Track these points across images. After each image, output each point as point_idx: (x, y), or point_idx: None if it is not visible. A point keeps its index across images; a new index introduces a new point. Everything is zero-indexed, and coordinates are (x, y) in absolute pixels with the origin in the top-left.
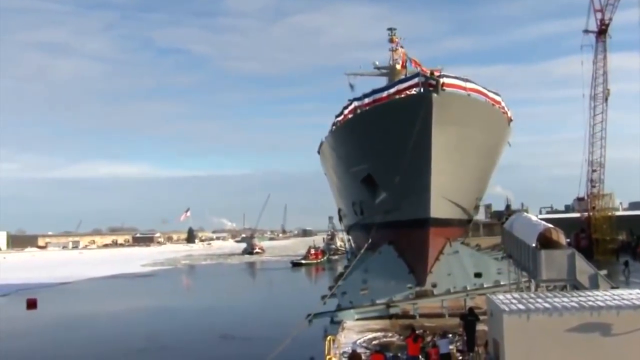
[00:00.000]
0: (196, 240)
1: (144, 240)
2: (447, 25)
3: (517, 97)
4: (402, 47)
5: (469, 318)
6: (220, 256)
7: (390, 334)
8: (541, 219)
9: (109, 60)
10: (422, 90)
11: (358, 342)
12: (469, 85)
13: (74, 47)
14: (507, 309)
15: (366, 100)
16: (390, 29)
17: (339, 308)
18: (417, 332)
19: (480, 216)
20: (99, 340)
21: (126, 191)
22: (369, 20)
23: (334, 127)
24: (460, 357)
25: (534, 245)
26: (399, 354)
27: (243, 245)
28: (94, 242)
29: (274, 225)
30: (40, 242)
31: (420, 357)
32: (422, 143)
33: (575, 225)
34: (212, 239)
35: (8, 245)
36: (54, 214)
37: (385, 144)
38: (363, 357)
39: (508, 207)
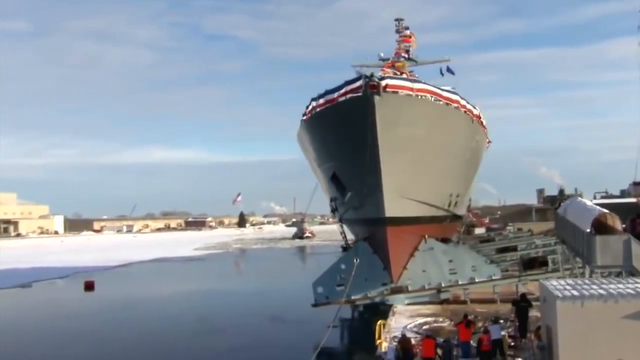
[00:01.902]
0: (247, 225)
1: (196, 224)
2: (497, 7)
3: (570, 80)
4: (408, 36)
5: (521, 304)
6: (271, 240)
7: (441, 319)
8: (596, 204)
9: (159, 48)
10: (364, 92)
11: (408, 326)
12: (417, 86)
13: (125, 35)
14: (560, 295)
15: (321, 101)
16: (397, 20)
17: (316, 304)
18: (469, 317)
19: (532, 201)
20: (155, 321)
21: (179, 176)
22: (415, 3)
23: (301, 122)
24: (512, 343)
25: (588, 230)
26: (450, 340)
27: (293, 229)
28: (147, 226)
29: (324, 210)
30: (96, 226)
31: (471, 342)
32: (370, 144)
33: (631, 211)
34: (262, 224)
35: (65, 229)
36: (109, 199)
37: (340, 145)
38: (413, 341)
39: (561, 192)
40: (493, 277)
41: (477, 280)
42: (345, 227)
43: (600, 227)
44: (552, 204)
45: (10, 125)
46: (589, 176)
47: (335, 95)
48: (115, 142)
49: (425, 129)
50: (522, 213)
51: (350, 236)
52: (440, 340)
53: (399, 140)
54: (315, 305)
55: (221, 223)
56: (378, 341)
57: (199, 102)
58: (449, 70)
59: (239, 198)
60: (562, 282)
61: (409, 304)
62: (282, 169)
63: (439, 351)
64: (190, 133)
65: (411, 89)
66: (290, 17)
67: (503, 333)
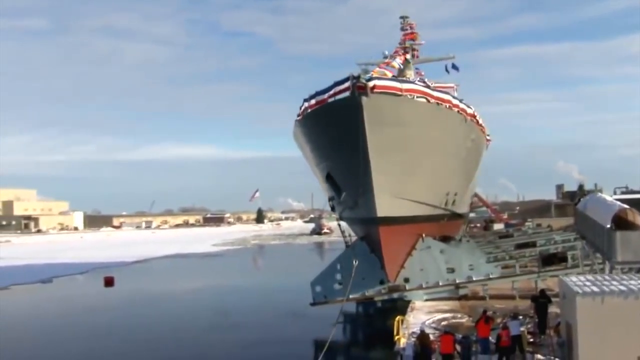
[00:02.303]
0: (265, 221)
1: (214, 220)
2: (515, 2)
3: (589, 74)
4: (413, 34)
5: (541, 300)
6: (289, 236)
7: (459, 315)
8: (616, 200)
9: (177, 44)
10: (351, 93)
11: (427, 322)
12: (405, 86)
13: (143, 32)
14: (580, 291)
15: (312, 101)
16: (402, 17)
17: (314, 302)
18: (487, 313)
19: (551, 197)
20: (174, 316)
21: (197, 172)
22: None
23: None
24: (532, 339)
25: (608, 226)
26: (469, 336)
27: (311, 225)
28: (166, 222)
29: None
30: (115, 222)
31: (490, 338)
32: (360, 145)
33: None
34: (280, 219)
35: (85, 225)
36: (127, 195)
37: (331, 145)
38: (432, 337)
39: (581, 187)
40: (490, 276)
41: (474, 279)
42: (345, 225)
43: (621, 222)
44: (572, 200)
45: (31, 122)
46: (608, 171)
47: (326, 96)
48: (134, 138)
49: (415, 129)
50: (541, 209)
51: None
52: (459, 336)
53: (389, 140)
54: (313, 304)
55: (239, 219)
56: (396, 337)
57: (217, 99)
58: (453, 67)
59: (257, 194)
60: (582, 278)
61: (427, 300)
62: (299, 165)
63: (458, 347)
64: (209, 129)
65: (400, 90)
66: (307, 13)
67: (522, 329)
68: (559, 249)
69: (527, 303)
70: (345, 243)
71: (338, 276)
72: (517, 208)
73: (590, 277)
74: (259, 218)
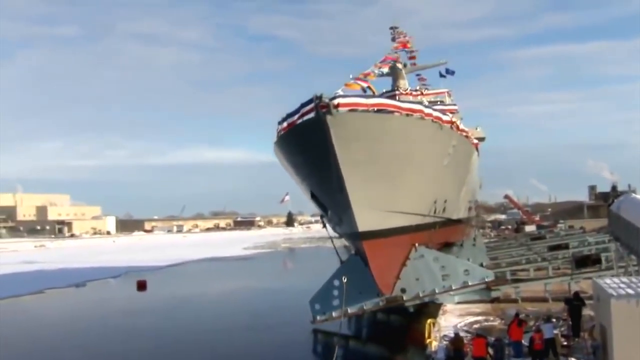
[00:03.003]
0: (295, 224)
1: (245, 224)
2: (544, 1)
3: (620, 73)
4: (406, 42)
5: (575, 302)
6: (319, 239)
7: (491, 318)
8: None
9: (205, 49)
10: (316, 113)
11: (458, 325)
12: (371, 101)
13: (173, 37)
14: (615, 293)
15: (284, 124)
16: (392, 28)
17: (314, 320)
18: (520, 316)
19: (584, 198)
20: (207, 318)
21: (227, 176)
22: None
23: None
24: (565, 343)
25: None
26: (502, 339)
27: None
28: (197, 226)
29: None
30: (147, 226)
31: (523, 342)
32: (331, 162)
33: None
34: (310, 223)
35: (117, 230)
36: (159, 199)
37: (307, 166)
38: (464, 340)
39: (614, 188)
40: (486, 280)
41: (469, 283)
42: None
43: None
44: (605, 201)
45: (64, 127)
46: None
47: (295, 117)
48: (165, 142)
49: (385, 142)
50: (573, 210)
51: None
52: (492, 339)
53: (359, 155)
54: (313, 321)
55: (269, 222)
56: (428, 340)
57: (246, 102)
58: (447, 71)
59: (287, 197)
60: (617, 280)
61: (458, 303)
62: None
63: (490, 350)
64: (239, 132)
65: (365, 105)
66: (334, 16)
67: (556, 332)
68: (592, 250)
69: (561, 306)
70: (340, 259)
71: (336, 292)
72: (549, 209)
73: (625, 279)
74: (289, 221)
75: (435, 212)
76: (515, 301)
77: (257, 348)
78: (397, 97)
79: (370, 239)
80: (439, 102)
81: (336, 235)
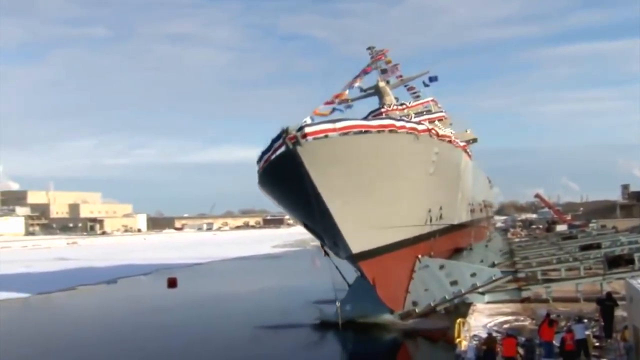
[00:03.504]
0: None
1: (274, 222)
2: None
3: None
4: (386, 63)
5: (607, 303)
6: None
7: (521, 318)
8: None
9: (235, 49)
10: (286, 147)
11: (488, 325)
12: (339, 125)
13: (202, 37)
14: None
15: (261, 162)
16: (369, 48)
17: (343, 321)
18: (551, 316)
19: (616, 197)
20: (238, 315)
21: (256, 175)
22: None
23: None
24: (597, 344)
25: None
26: (533, 339)
27: None
28: (226, 224)
29: None
30: (177, 224)
31: (554, 342)
32: (310, 191)
33: None
34: None
35: (148, 227)
36: (189, 197)
37: (290, 199)
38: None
39: None
40: (494, 278)
41: (478, 284)
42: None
43: None
44: (638, 200)
45: (96, 127)
46: None
47: (269, 154)
48: (195, 141)
49: (361, 161)
50: (605, 209)
51: None
52: (522, 339)
53: (337, 179)
54: (340, 323)
55: None
56: (457, 340)
57: (275, 101)
58: (431, 79)
59: None
60: None
61: (489, 303)
62: None
63: (521, 350)
64: (268, 132)
65: (333, 129)
66: (363, 15)
67: (587, 333)
68: (625, 250)
69: (593, 306)
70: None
71: (365, 295)
72: (581, 209)
73: None
74: None
75: (431, 220)
76: (546, 301)
77: (283, 347)
78: (383, 114)
79: (367, 259)
80: (424, 113)
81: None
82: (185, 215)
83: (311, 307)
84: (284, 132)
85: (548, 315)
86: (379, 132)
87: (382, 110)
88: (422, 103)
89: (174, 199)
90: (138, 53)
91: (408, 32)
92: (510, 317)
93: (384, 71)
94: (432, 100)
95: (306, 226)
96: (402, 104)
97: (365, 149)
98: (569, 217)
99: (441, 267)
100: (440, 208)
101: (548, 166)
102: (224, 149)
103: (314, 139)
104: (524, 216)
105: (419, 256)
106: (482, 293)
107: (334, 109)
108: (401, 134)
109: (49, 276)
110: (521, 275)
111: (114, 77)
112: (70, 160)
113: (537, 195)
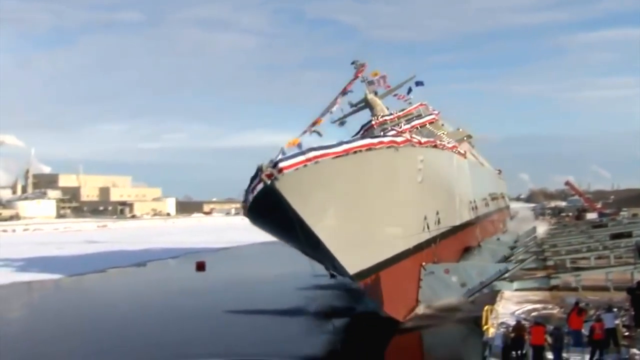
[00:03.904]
0: None
1: None
2: None
3: None
4: (373, 75)
5: (637, 292)
6: None
7: (550, 306)
8: None
9: (263, 34)
10: (264, 184)
11: (516, 313)
12: (312, 154)
13: (232, 22)
14: None
15: (245, 202)
16: (353, 62)
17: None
18: (580, 305)
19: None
20: (265, 300)
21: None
22: None
23: None
24: (627, 333)
25: None
26: (561, 327)
27: None
28: None
29: None
30: (206, 208)
31: (583, 331)
32: (296, 222)
33: None
34: None
35: (176, 211)
36: (218, 182)
37: (281, 232)
38: None
39: None
40: (502, 270)
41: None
42: None
43: None
44: None
45: (126, 112)
46: None
47: (251, 192)
48: (224, 126)
49: (342, 184)
50: (636, 198)
51: None
52: (550, 327)
53: (320, 206)
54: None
55: None
56: (485, 327)
57: (303, 86)
58: (417, 84)
59: None
60: None
61: (517, 290)
62: None
63: (549, 339)
64: (296, 117)
65: (307, 160)
66: (391, 0)
67: (617, 322)
68: None
69: (623, 295)
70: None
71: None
72: (612, 197)
73: None
74: None
75: (429, 227)
76: (575, 289)
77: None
78: (374, 127)
79: (368, 276)
80: (414, 118)
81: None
82: (214, 199)
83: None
84: (259, 170)
85: (577, 303)
86: (355, 152)
87: (372, 123)
88: (411, 109)
89: (202, 184)
90: (169, 38)
91: (435, 16)
92: (538, 305)
93: (370, 83)
94: (422, 105)
95: (306, 254)
96: (390, 114)
97: (345, 170)
98: (599, 205)
99: (447, 271)
100: (437, 213)
101: (579, 153)
102: (253, 133)
103: (291, 171)
104: (553, 204)
105: (423, 264)
106: (511, 281)
107: (319, 133)
108: (377, 151)
109: (80, 258)
110: (550, 263)
111: (144, 62)
112: (101, 144)
113: (567, 183)
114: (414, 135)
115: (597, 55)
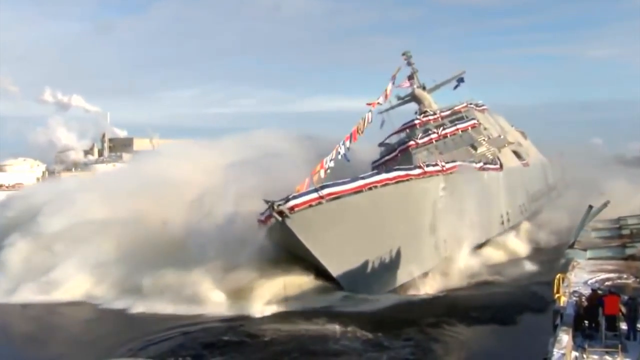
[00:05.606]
0: None
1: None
2: None
3: None
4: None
5: None
6: None
7: (624, 276)
8: None
9: None
10: (275, 220)
11: (589, 282)
12: (324, 192)
13: None
14: None
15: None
16: (404, 54)
17: None
18: None
19: None
20: None
21: (352, 123)
22: None
23: None
24: None
25: None
26: (636, 297)
27: None
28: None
29: None
30: None
31: None
32: (312, 259)
33: None
34: None
35: None
36: None
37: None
38: None
39: None
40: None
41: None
42: None
43: None
44: None
45: (197, 77)
46: None
47: (263, 218)
48: (292, 91)
49: (357, 223)
50: None
51: None
52: (625, 297)
53: (333, 239)
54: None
55: None
56: (556, 295)
57: (371, 51)
58: (460, 81)
59: None
60: None
61: (590, 259)
62: None
63: (623, 309)
64: (366, 82)
65: (320, 198)
66: None
67: None
68: None
69: None
70: None
71: None
72: None
73: None
74: None
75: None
76: None
77: None
78: (417, 126)
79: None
80: (456, 122)
81: None
82: None
83: None
84: (271, 208)
85: None
86: (370, 188)
87: (416, 122)
88: (456, 110)
89: None
90: (237, 3)
91: None
92: (612, 275)
93: (410, 77)
94: (466, 106)
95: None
96: (434, 114)
97: (359, 208)
98: None
99: None
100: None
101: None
102: (323, 98)
103: (302, 209)
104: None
105: None
106: (584, 249)
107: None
108: (386, 189)
109: None
110: (625, 232)
111: (215, 28)
112: (174, 109)
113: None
114: (437, 162)
115: None
